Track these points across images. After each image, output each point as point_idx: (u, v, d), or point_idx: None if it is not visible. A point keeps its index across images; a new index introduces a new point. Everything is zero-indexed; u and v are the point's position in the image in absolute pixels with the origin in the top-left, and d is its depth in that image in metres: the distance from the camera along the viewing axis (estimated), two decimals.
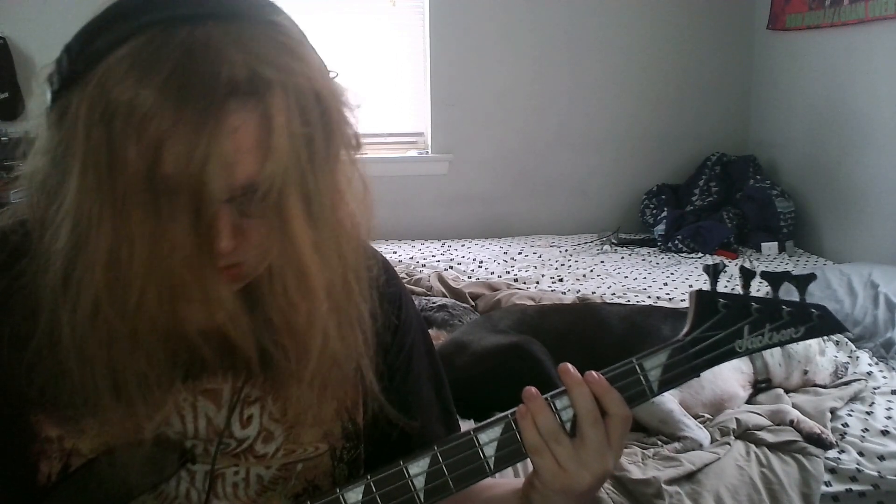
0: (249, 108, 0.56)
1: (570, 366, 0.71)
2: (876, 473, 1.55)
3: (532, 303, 2.41)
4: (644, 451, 1.60)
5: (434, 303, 2.36)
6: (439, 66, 3.65)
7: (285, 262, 0.61)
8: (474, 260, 3.22)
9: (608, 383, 0.70)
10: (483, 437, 0.70)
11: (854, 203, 3.08)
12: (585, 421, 0.69)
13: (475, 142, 3.74)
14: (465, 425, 0.80)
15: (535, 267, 3.11)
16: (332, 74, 0.64)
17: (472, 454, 0.69)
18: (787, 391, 1.85)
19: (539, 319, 1.97)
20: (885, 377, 1.96)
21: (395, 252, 3.27)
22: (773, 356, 1.86)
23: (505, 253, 3.32)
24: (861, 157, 3.02)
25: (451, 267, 3.09)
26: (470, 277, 2.93)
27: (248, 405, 0.73)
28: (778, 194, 3.38)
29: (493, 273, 3.03)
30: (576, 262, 3.19)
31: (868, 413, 1.77)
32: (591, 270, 3.05)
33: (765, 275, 0.76)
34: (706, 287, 0.76)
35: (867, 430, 1.70)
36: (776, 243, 3.31)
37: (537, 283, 2.89)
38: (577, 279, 2.93)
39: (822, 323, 0.76)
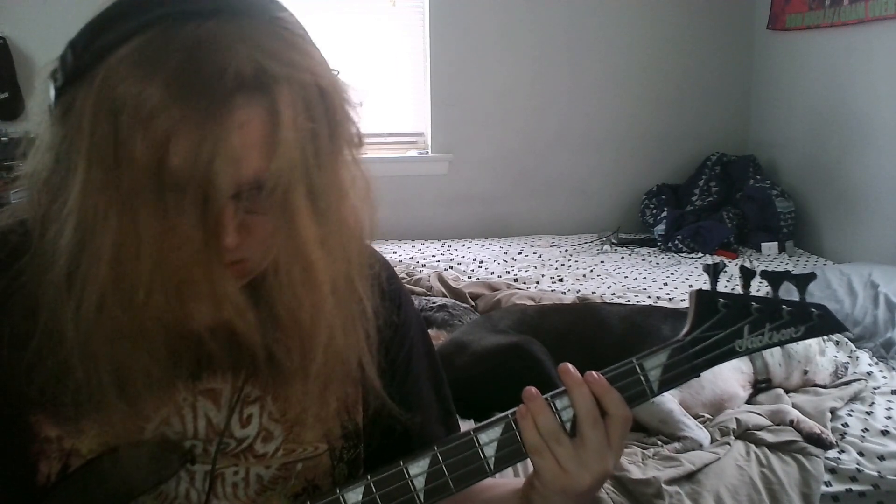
0: (256, 103, 0.56)
1: (570, 366, 0.71)
2: (876, 473, 1.55)
3: (532, 303, 2.41)
4: (644, 451, 1.60)
5: (434, 303, 2.36)
6: (439, 66, 3.65)
7: (291, 258, 0.61)
8: (474, 260, 3.22)
9: (608, 383, 0.70)
10: (483, 438, 0.70)
11: (854, 203, 3.08)
12: (585, 422, 0.69)
13: (475, 142, 3.74)
14: (465, 425, 0.80)
15: (535, 267, 3.11)
16: (334, 72, 0.64)
17: (473, 454, 0.69)
18: (787, 391, 1.85)
19: (539, 319, 1.97)
20: (885, 377, 1.96)
21: (395, 252, 3.27)
22: (773, 356, 1.86)
23: (505, 253, 3.32)
24: (861, 157, 3.02)
25: (451, 267, 3.09)
26: (470, 277, 2.93)
27: (248, 405, 0.73)
28: (778, 194, 3.38)
29: (493, 273, 3.03)
30: (576, 262, 3.19)
31: (868, 413, 1.77)
32: (591, 270, 3.05)
33: (765, 274, 0.76)
34: (706, 287, 0.76)
35: (867, 430, 1.70)
36: (776, 243, 3.31)
37: (537, 283, 2.89)
38: (577, 279, 2.93)
39: (823, 322, 0.76)
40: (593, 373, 0.70)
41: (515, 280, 2.90)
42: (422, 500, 0.68)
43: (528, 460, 0.70)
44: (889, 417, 1.75)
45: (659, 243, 3.42)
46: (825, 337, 1.99)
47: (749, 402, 1.83)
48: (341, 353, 0.68)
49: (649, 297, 2.68)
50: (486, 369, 1.75)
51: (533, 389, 0.70)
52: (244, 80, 0.55)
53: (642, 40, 3.73)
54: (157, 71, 0.54)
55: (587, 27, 3.69)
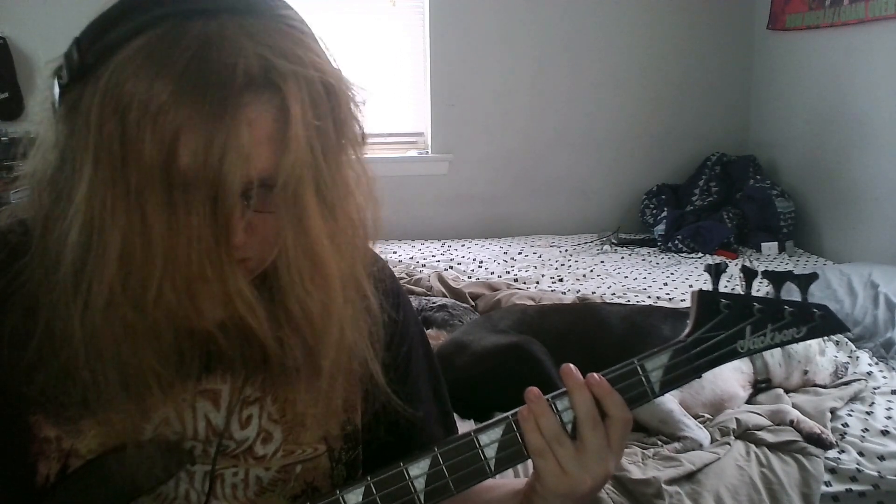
0: (265, 100, 0.56)
1: (572, 367, 0.70)
2: (876, 473, 1.55)
3: (532, 303, 2.41)
4: (644, 451, 1.60)
5: (434, 303, 2.36)
6: (439, 66, 3.64)
7: (301, 253, 0.61)
8: (474, 260, 3.22)
9: (610, 385, 0.70)
10: (484, 439, 0.70)
11: (854, 203, 3.08)
12: (585, 424, 0.69)
13: (475, 142, 3.73)
14: (466, 426, 0.80)
15: (535, 267, 3.11)
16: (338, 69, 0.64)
17: (473, 455, 0.69)
18: (787, 391, 1.85)
19: (539, 319, 1.97)
20: (885, 377, 1.96)
21: (395, 252, 3.27)
22: (773, 356, 1.86)
23: (505, 253, 3.32)
24: (861, 157, 3.02)
25: (451, 267, 3.09)
26: (470, 277, 2.93)
27: (247, 405, 0.73)
28: (778, 194, 3.38)
29: (493, 273, 3.03)
30: (576, 262, 3.19)
31: (868, 413, 1.77)
32: (591, 270, 3.05)
33: (767, 274, 0.76)
34: (706, 287, 0.76)
35: (867, 430, 1.70)
36: (776, 243, 3.31)
37: (537, 283, 2.89)
38: (577, 279, 2.93)
39: (825, 323, 0.75)
40: (595, 375, 0.70)
41: (515, 280, 2.90)
42: (422, 501, 0.67)
43: (528, 461, 0.70)
44: (889, 417, 1.75)
45: (659, 243, 3.42)
46: (825, 337, 1.99)
47: (749, 402, 1.83)
48: (350, 348, 0.68)
49: (649, 297, 2.68)
50: (486, 369, 1.75)
51: (536, 390, 0.70)
52: (253, 77, 0.55)
53: (642, 40, 3.73)
54: (165, 69, 0.54)
55: (587, 27, 3.69)
